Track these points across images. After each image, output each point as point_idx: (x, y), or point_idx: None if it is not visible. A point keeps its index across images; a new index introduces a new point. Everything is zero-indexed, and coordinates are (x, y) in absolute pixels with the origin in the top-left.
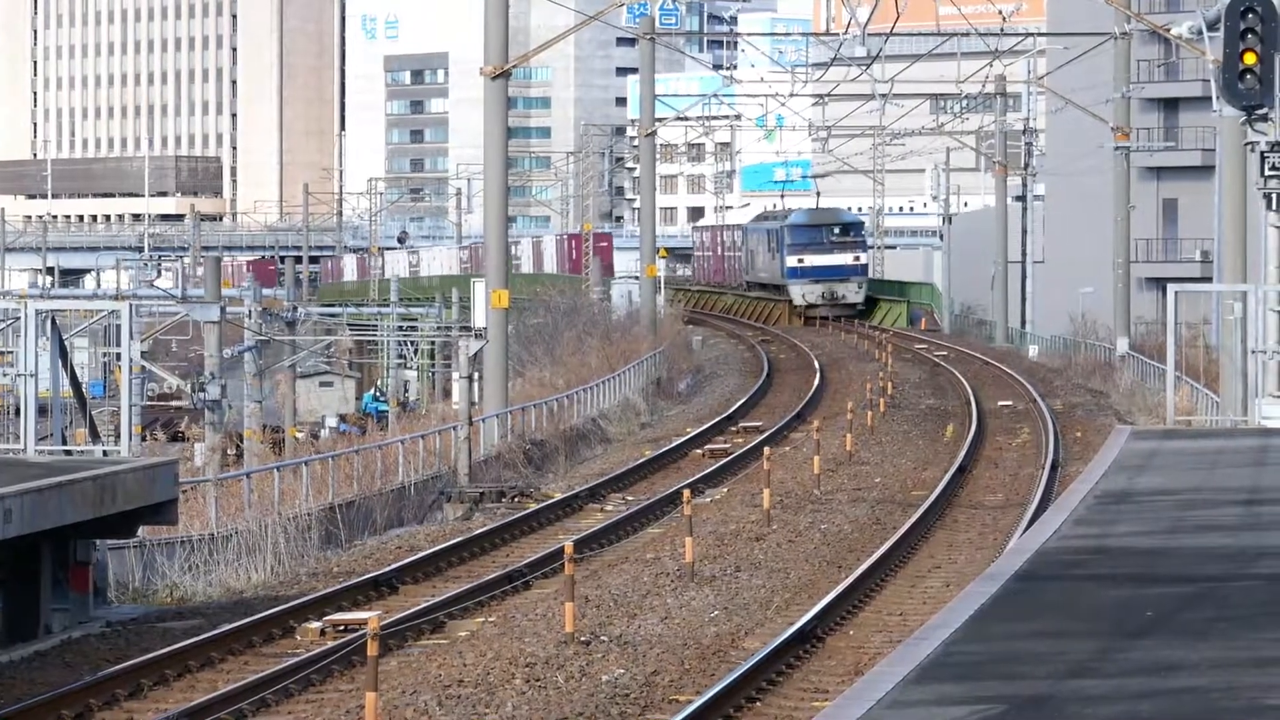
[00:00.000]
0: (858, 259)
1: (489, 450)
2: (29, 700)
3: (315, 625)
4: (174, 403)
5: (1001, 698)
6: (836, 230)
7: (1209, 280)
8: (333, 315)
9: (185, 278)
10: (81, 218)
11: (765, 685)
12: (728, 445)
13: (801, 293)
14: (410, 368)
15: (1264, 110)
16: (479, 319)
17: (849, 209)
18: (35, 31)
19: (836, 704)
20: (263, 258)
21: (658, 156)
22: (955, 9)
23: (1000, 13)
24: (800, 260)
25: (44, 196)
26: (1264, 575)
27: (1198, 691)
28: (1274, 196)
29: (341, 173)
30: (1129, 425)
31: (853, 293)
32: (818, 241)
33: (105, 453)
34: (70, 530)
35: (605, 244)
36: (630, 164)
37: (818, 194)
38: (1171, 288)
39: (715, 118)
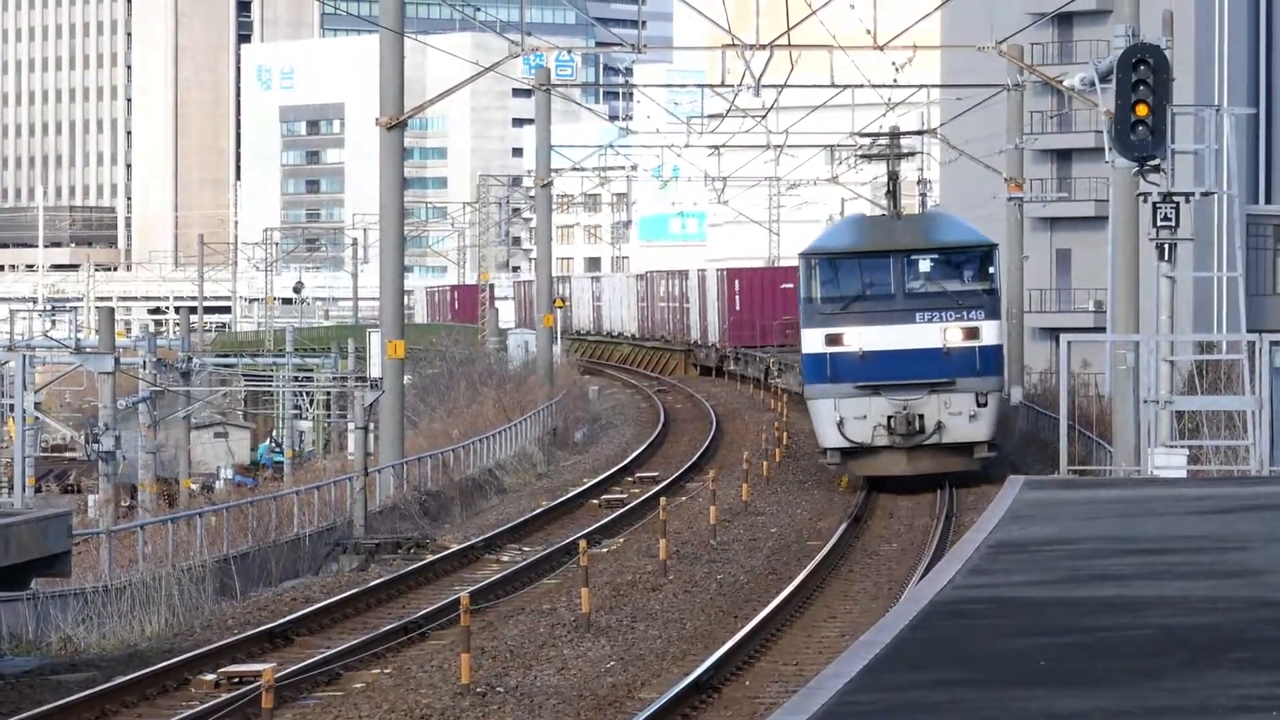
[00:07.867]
0: (973, 334)
1: (385, 501)
2: None
3: (210, 677)
4: (68, 454)
5: None
6: (928, 264)
7: (1102, 330)
8: (228, 366)
9: (90, 329)
10: None
11: None
12: (624, 495)
13: (836, 416)
14: (306, 418)
15: (1155, 161)
16: (374, 369)
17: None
18: None
19: None
20: (454, 288)
21: (554, 207)
22: (850, 60)
23: (894, 63)
24: (836, 339)
25: None
26: (1156, 625)
27: None
28: (1165, 247)
29: (237, 223)
30: (1023, 475)
31: (964, 418)
32: (881, 291)
33: None
34: None
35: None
36: (527, 214)
37: (893, 182)
38: (1064, 338)
39: (611, 168)
